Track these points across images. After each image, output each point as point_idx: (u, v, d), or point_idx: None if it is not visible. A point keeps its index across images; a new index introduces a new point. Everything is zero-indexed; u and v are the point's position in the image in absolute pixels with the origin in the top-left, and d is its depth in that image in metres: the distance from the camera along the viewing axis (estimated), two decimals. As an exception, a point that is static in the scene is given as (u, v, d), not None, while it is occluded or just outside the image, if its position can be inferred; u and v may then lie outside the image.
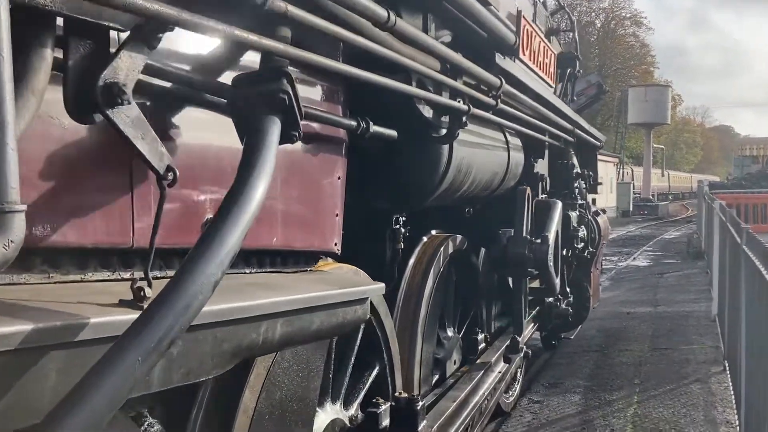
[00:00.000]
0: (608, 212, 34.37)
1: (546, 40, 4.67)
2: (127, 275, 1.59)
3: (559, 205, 5.36)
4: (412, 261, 4.27)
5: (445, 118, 3.02)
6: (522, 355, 4.94)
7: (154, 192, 1.47)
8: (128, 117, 1.24)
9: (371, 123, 2.35)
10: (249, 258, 2.05)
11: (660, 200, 54.67)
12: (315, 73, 2.28)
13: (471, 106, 3.00)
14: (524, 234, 4.83)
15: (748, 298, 5.29)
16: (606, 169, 41.99)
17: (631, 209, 44.30)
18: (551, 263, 4.89)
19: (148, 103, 1.49)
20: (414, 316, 4.11)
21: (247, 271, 2.06)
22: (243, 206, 1.32)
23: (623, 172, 48.93)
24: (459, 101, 2.99)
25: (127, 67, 1.26)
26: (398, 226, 3.58)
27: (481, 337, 5.19)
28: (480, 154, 4.07)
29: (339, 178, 2.45)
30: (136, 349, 1.10)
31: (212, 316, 1.54)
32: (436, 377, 4.60)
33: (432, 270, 4.26)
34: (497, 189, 4.71)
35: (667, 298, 11.97)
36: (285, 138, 1.61)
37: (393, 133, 2.65)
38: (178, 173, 1.35)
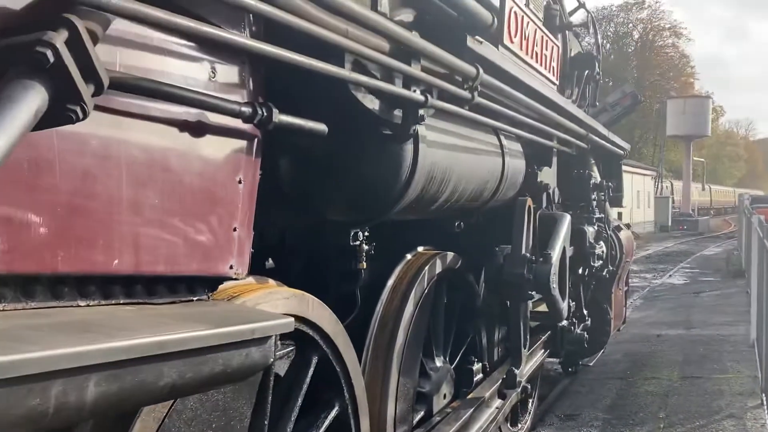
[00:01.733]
0: (646, 227, 33.65)
1: (546, 31, 4.09)
2: None
3: (567, 218, 4.75)
4: (390, 282, 3.73)
5: (399, 112, 2.48)
6: (519, 390, 4.33)
7: None
8: None
9: (275, 111, 1.83)
10: (84, 286, 1.53)
11: (701, 215, 53.12)
12: (201, 44, 1.77)
13: (429, 97, 2.45)
14: (523, 252, 4.24)
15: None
16: (644, 183, 40.88)
17: (669, 224, 42.99)
18: (554, 285, 4.28)
19: None
20: (389, 345, 3.57)
21: (82, 303, 1.54)
22: None
23: (662, 186, 47.60)
24: (414, 90, 2.44)
25: None
26: (358, 242, 3.04)
27: (477, 367, 4.61)
28: (463, 159, 3.52)
29: (240, 182, 1.93)
30: None
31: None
32: (420, 414, 4.03)
33: (413, 292, 3.71)
34: (491, 200, 4.14)
35: (702, 320, 11.15)
36: (57, 116, 1.09)
37: (321, 127, 2.12)
38: None
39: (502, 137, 4.09)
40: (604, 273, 6.31)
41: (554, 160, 5.03)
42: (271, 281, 2.74)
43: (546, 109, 4.12)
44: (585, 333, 5.97)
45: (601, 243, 6.23)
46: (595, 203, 6.20)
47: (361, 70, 2.26)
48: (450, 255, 4.18)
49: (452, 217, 4.25)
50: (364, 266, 3.11)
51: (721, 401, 6.58)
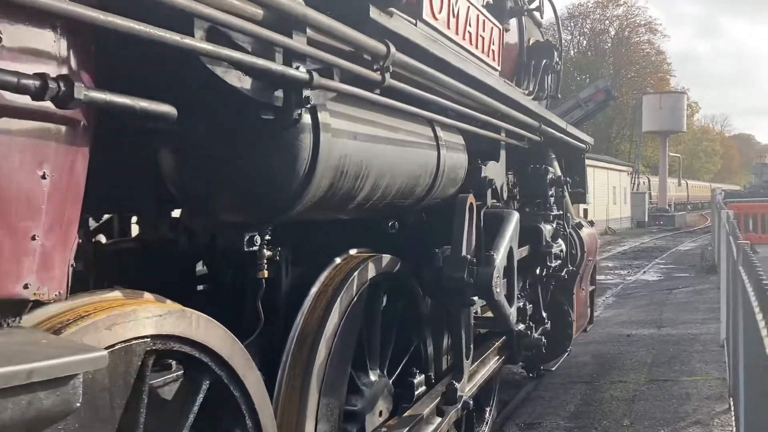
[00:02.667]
0: (623, 223, 33.59)
1: (484, 11, 3.70)
2: None
3: (515, 216, 4.39)
4: (314, 290, 3.36)
5: (280, 93, 2.08)
6: (461, 406, 3.95)
7: None
8: None
9: (79, 86, 1.42)
10: None
11: (678, 210, 53.33)
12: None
13: (316, 76, 2.06)
14: (464, 253, 3.86)
15: (746, 328, 4.28)
16: (620, 179, 40.83)
17: (646, 219, 43.00)
18: (498, 290, 3.91)
19: None
20: (308, 361, 3.19)
21: None
22: None
23: (638, 182, 47.69)
24: (298, 67, 2.05)
25: None
26: (256, 247, 2.63)
27: (419, 379, 4.22)
28: (387, 151, 3.13)
29: (45, 177, 1.52)
30: None
31: None
32: (350, 436, 3.65)
33: (339, 300, 3.34)
34: (427, 197, 3.76)
35: (674, 318, 10.88)
36: None
37: (163, 108, 1.72)
38: None
39: (437, 128, 3.71)
40: (563, 273, 5.96)
41: (502, 153, 4.66)
42: (147, 295, 2.36)
43: (486, 98, 3.75)
44: (543, 338, 5.61)
45: (560, 241, 5.89)
46: (552, 199, 5.84)
47: (224, 42, 1.87)
48: (386, 258, 3.81)
49: (381, 216, 3.87)
50: (265, 275, 2.71)
51: (688, 406, 6.27)
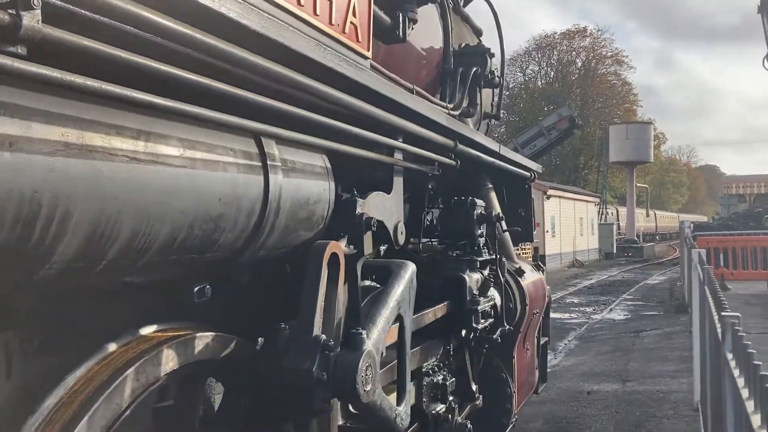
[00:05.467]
0: (590, 255, 32.64)
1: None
2: None
3: (408, 270, 3.07)
4: (48, 402, 1.99)
5: None
6: None
7: None
8: None
9: None
10: None
11: (646, 241, 52.86)
12: None
13: None
14: (315, 332, 2.54)
15: (736, 419, 3.02)
16: (587, 210, 40.03)
17: (614, 251, 42.20)
18: (368, 388, 2.57)
19: None
20: None
21: None
22: None
23: (605, 213, 47.05)
24: None
25: None
26: None
27: None
28: (118, 174, 1.79)
29: None
30: None
31: None
32: None
33: (89, 418, 1.98)
34: (250, 247, 2.43)
35: (641, 369, 9.63)
36: None
37: None
38: None
39: (268, 142, 2.41)
40: (495, 335, 4.64)
41: (397, 181, 3.38)
42: None
43: (343, 96, 2.46)
44: (468, 422, 4.28)
45: (492, 294, 4.59)
46: (482, 241, 4.56)
47: None
48: (206, 337, 2.47)
49: (191, 278, 2.51)
50: None
51: (657, 501, 4.97)
